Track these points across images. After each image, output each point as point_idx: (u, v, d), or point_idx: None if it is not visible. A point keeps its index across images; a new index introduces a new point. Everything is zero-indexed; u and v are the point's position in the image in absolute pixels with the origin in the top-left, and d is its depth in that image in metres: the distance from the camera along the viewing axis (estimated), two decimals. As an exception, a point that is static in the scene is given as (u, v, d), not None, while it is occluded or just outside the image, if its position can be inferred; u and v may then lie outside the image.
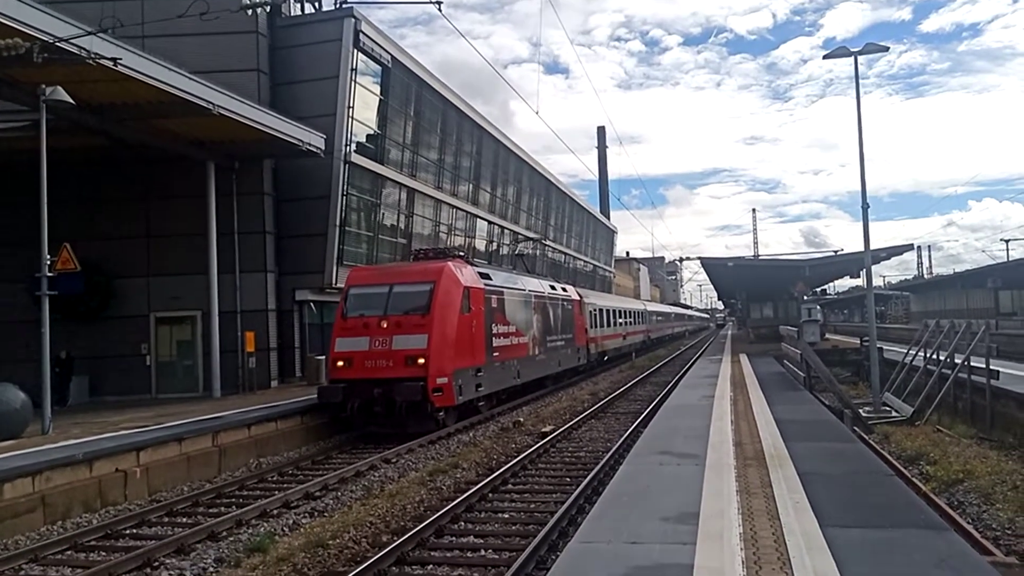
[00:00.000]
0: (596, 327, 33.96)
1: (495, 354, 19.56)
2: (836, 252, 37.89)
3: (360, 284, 17.96)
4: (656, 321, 58.92)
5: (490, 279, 20.13)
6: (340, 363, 16.72)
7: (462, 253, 21.44)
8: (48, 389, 14.20)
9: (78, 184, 21.20)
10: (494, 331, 19.60)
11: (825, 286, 59.97)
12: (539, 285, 25.69)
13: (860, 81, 18.54)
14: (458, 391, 16.92)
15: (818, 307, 30.88)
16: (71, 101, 14.03)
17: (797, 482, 8.23)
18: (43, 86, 13.77)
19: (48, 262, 14.33)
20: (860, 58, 18.13)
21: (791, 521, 6.74)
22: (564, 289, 29.50)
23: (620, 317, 40.84)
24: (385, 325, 16.59)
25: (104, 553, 9.36)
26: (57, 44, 13.19)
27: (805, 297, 34.11)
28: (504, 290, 21.06)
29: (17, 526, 10.15)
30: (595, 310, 34.09)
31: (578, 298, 30.88)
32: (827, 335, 35.82)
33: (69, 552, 9.42)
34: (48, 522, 10.56)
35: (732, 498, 7.64)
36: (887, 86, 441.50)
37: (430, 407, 16.18)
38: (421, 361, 16.15)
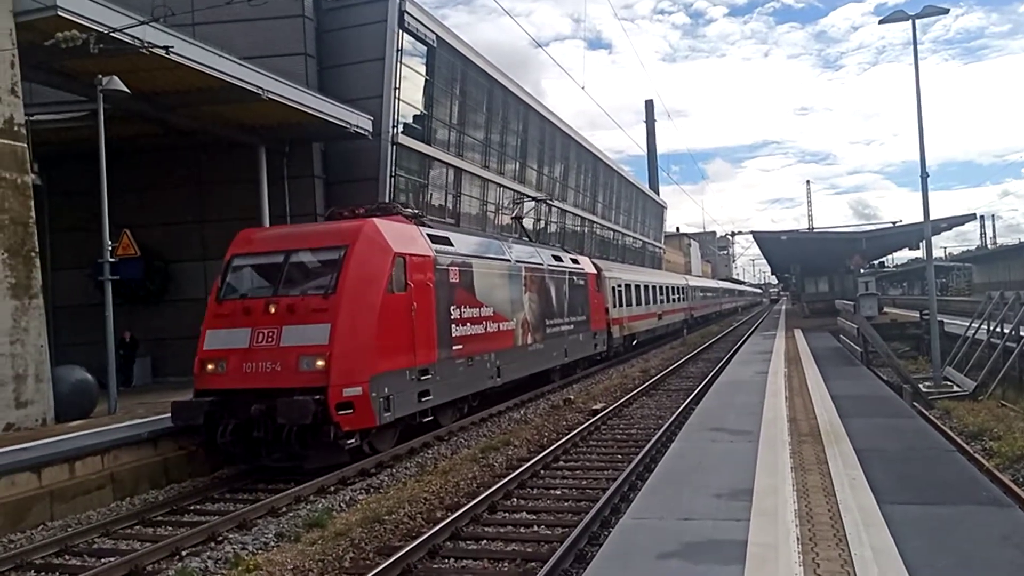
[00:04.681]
0: (621, 306, 29.37)
1: (456, 347, 14.75)
2: (894, 223, 36.91)
3: (247, 252, 13.06)
4: (700, 298, 53.60)
5: (449, 244, 15.24)
6: (210, 366, 12.04)
7: (414, 210, 16.29)
8: (113, 371, 14.66)
9: (135, 171, 21.71)
10: (455, 315, 14.84)
11: (883, 259, 58.42)
12: (535, 254, 20.92)
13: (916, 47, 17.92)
14: (383, 405, 11.97)
15: (873, 280, 30.07)
16: (127, 90, 14.38)
17: (854, 458, 8.11)
18: (99, 76, 14.12)
19: (109, 248, 14.77)
20: (916, 22, 17.53)
21: (847, 498, 6.64)
22: (575, 260, 24.55)
23: (654, 294, 35.82)
24: (273, 310, 11.82)
25: (171, 528, 9.71)
26: (112, 35, 13.51)
27: (862, 270, 33.33)
28: (473, 260, 16.07)
29: (89, 502, 10.60)
30: (619, 286, 29.31)
31: (595, 271, 26.04)
32: (885, 309, 34.97)
33: (138, 527, 9.80)
34: (117, 498, 11.00)
35: (787, 475, 7.56)
36: (943, 51, 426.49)
37: (334, 431, 11.20)
38: (320, 364, 11.33)
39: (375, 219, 13.33)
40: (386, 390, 12.11)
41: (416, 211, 15.96)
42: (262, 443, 11.39)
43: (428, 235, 14.60)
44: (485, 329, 16.30)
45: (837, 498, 6.66)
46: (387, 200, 23.72)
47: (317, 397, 11.01)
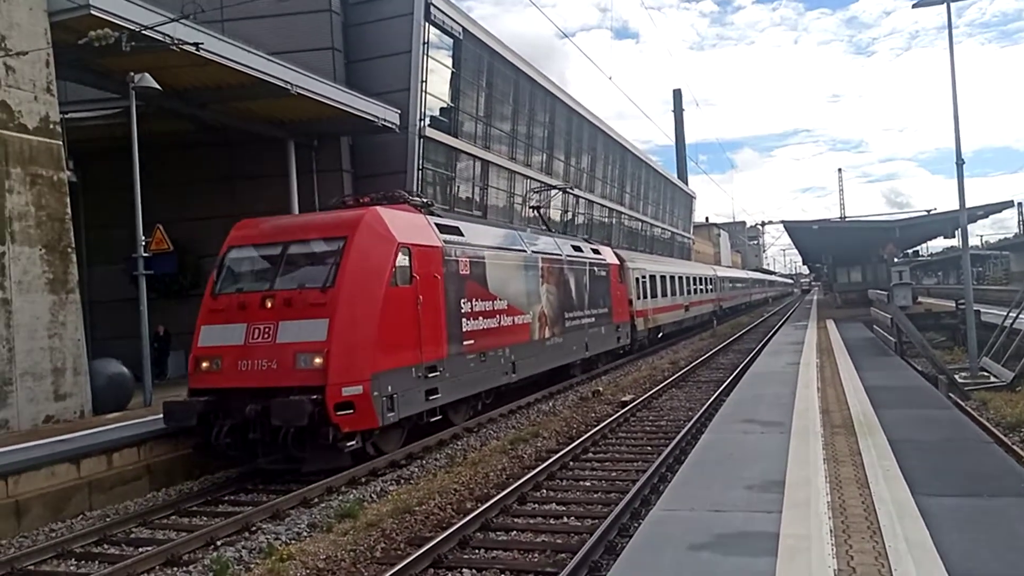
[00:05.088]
0: (646, 297, 28.77)
1: (467, 342, 14.03)
2: (929, 212, 36.26)
3: (243, 244, 12.53)
4: (729, 288, 53.23)
5: (460, 234, 14.52)
6: (204, 364, 11.44)
7: (422, 198, 15.38)
8: (148, 364, 14.91)
9: (168, 167, 22.00)
10: (466, 309, 14.13)
11: (917, 247, 57.42)
12: (553, 244, 20.15)
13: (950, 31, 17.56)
14: (386, 405, 11.27)
15: (907, 269, 29.55)
16: (158, 87, 14.59)
17: (888, 450, 8.00)
18: (131, 73, 14.34)
19: (143, 243, 15.00)
20: (951, 5, 17.17)
21: (881, 489, 6.56)
22: (596, 250, 23.79)
23: (680, 285, 35.29)
24: (270, 305, 11.23)
25: (206, 518, 9.87)
26: (143, 32, 13.70)
27: (896, 259, 32.81)
28: (485, 250, 15.40)
29: (126, 492, 10.83)
30: (643, 277, 28.74)
31: (617, 262, 25.25)
32: (920, 298, 34.40)
33: (174, 517, 9.97)
34: (153, 489, 11.21)
35: (819, 466, 7.48)
36: (979, 35, 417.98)
37: (332, 433, 10.55)
38: (318, 361, 10.71)
39: (378, 208, 12.66)
40: (389, 389, 11.38)
41: (425, 199, 15.25)
42: (258, 444, 10.83)
43: (437, 224, 13.89)
44: (499, 323, 15.58)
45: (871, 490, 6.58)
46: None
47: (314, 397, 10.40)
